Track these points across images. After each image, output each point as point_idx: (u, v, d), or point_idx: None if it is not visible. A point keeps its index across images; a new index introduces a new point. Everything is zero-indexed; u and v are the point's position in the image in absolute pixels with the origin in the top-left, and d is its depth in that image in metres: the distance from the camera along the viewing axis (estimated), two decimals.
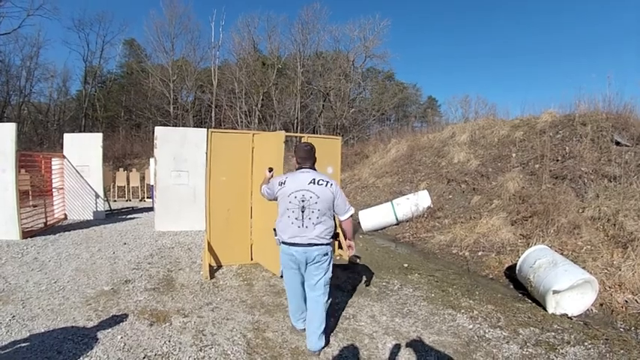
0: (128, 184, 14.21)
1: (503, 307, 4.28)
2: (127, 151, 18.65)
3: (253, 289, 4.74)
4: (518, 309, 4.25)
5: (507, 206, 7.23)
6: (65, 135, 10.12)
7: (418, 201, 8.19)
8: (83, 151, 9.50)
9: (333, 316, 3.87)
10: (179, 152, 8.14)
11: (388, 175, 12.18)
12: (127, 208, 12.20)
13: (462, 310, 4.17)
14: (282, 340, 3.40)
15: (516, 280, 5.00)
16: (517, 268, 4.88)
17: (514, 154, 8.90)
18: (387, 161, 13.45)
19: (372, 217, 8.41)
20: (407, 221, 8.23)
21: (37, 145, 19.34)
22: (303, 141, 5.23)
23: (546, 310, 4.13)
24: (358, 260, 6.12)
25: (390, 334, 3.58)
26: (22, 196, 8.74)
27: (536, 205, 6.60)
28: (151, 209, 11.09)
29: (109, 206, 10.96)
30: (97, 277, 5.09)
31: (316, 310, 3.09)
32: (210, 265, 5.37)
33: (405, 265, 6.00)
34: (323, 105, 27.63)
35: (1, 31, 22.87)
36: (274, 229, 3.20)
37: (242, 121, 26.45)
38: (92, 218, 9.57)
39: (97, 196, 9.63)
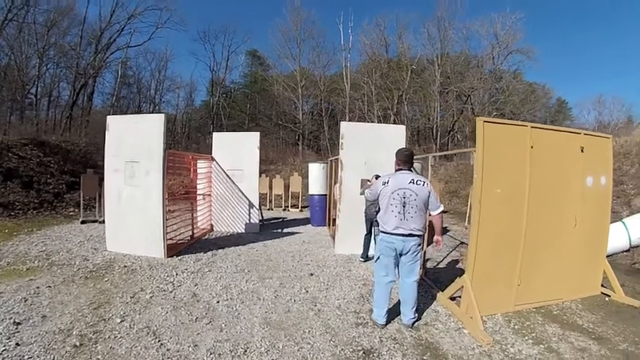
0: (271, 191, 12.83)
1: None
2: (262, 157, 17.70)
3: None
4: None
5: None
6: (214, 134, 8.79)
7: None
8: (236, 152, 8.01)
9: None
10: (371, 155, 6.05)
11: None
12: (277, 218, 10.61)
13: None
14: None
15: None
16: None
17: None
18: None
19: None
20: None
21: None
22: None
23: None
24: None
25: None
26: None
27: None
28: (306, 221, 9.59)
29: (261, 215, 9.35)
30: (309, 341, 3.07)
31: (411, 292, 3.38)
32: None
33: None
34: (462, 109, 24.36)
35: (132, 43, 24.49)
36: (376, 221, 3.48)
37: None
38: (244, 231, 7.99)
39: (252, 205, 8.02)
